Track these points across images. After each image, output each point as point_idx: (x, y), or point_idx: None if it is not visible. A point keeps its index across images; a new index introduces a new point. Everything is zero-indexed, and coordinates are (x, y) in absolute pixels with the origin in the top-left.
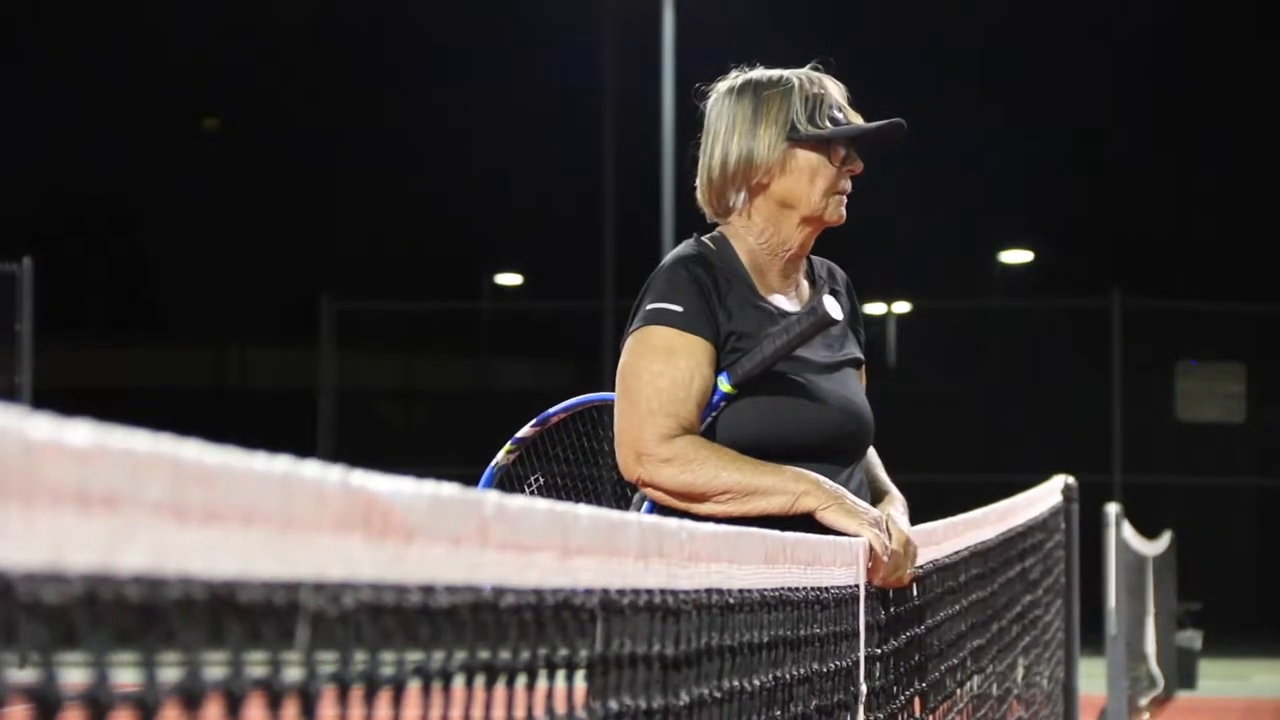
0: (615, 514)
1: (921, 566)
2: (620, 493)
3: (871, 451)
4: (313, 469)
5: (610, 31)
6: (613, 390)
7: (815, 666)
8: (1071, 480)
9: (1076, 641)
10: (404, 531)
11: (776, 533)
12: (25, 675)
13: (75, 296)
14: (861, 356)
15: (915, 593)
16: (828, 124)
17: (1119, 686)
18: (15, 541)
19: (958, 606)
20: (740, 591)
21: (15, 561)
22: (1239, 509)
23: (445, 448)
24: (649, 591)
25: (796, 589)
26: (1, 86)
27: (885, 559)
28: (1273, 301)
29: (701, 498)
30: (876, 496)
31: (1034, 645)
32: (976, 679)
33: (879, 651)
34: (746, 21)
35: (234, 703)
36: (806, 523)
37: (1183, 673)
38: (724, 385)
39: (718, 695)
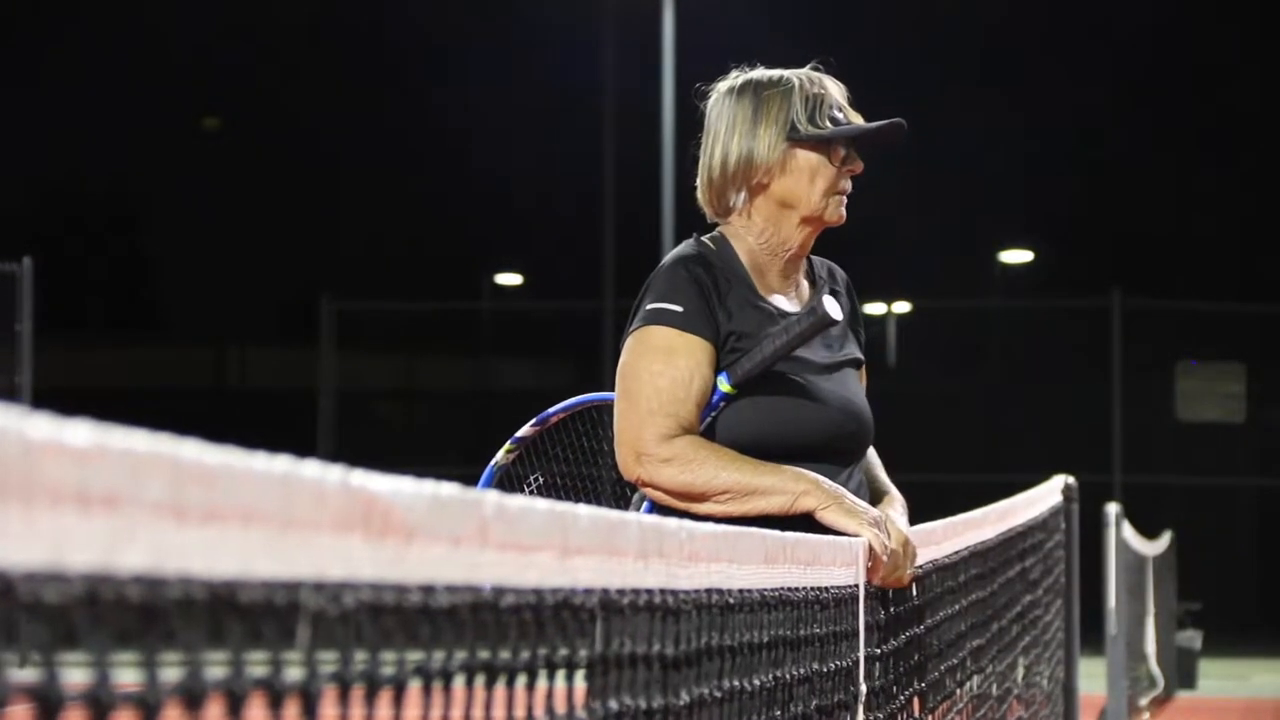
0: (615, 514)
1: (921, 566)
2: (620, 492)
3: (871, 451)
4: (313, 469)
5: (610, 31)
6: (612, 390)
7: (815, 666)
8: (1071, 480)
9: (1076, 641)
10: (404, 531)
11: (776, 533)
12: (26, 675)
13: (75, 296)
14: (861, 357)
15: (915, 593)
16: (828, 124)
17: (1119, 686)
18: (15, 541)
19: (957, 606)
20: (740, 591)
21: (16, 561)
22: (1239, 509)
23: (445, 448)
24: (649, 591)
25: (796, 589)
26: (1, 86)
27: (885, 559)
28: (1273, 301)
29: (701, 498)
30: (876, 496)
31: (1034, 645)
32: (976, 679)
33: (879, 651)
34: (746, 21)
35: (235, 702)
36: (806, 523)
37: (1183, 673)
38: (724, 385)
39: (718, 695)
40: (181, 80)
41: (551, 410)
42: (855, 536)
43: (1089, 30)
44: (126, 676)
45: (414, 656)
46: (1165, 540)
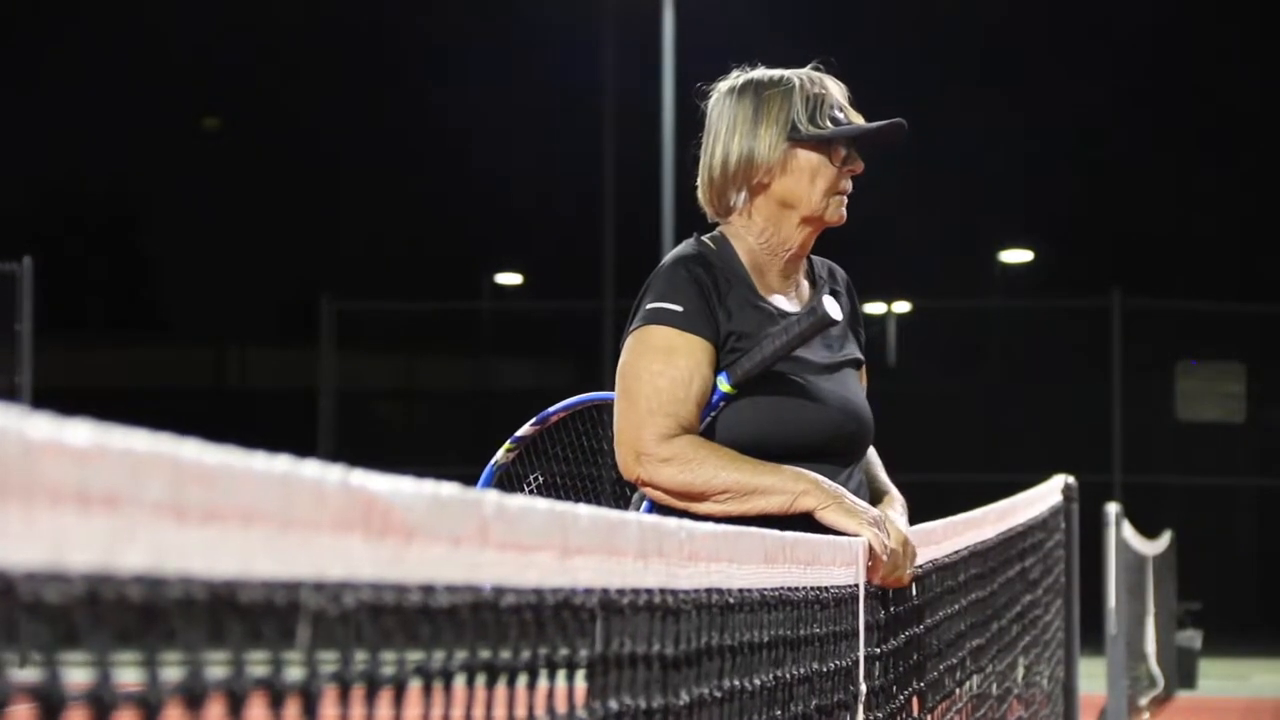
0: (615, 514)
1: (921, 566)
2: (620, 492)
3: (871, 451)
4: (313, 469)
5: (610, 31)
6: (612, 389)
7: (815, 666)
8: (1071, 480)
9: (1076, 641)
10: (404, 531)
11: (776, 532)
12: (27, 675)
13: (75, 296)
14: (861, 357)
15: (915, 592)
16: (828, 124)
17: (1119, 686)
18: (16, 541)
19: (957, 606)
20: (740, 591)
21: (16, 561)
22: (1239, 509)
23: (445, 448)
24: (649, 591)
25: (796, 589)
26: (1, 86)
27: (884, 558)
28: (1273, 301)
29: (700, 497)
30: (875, 496)
31: (1034, 645)
32: (976, 678)
33: (878, 651)
34: (746, 21)
35: (235, 702)
36: (806, 522)
37: (1183, 672)
38: (723, 385)
39: (718, 695)
40: (181, 80)
41: (551, 410)
42: (855, 536)
43: (1089, 30)
44: (127, 676)
45: (414, 656)
46: (1165, 540)
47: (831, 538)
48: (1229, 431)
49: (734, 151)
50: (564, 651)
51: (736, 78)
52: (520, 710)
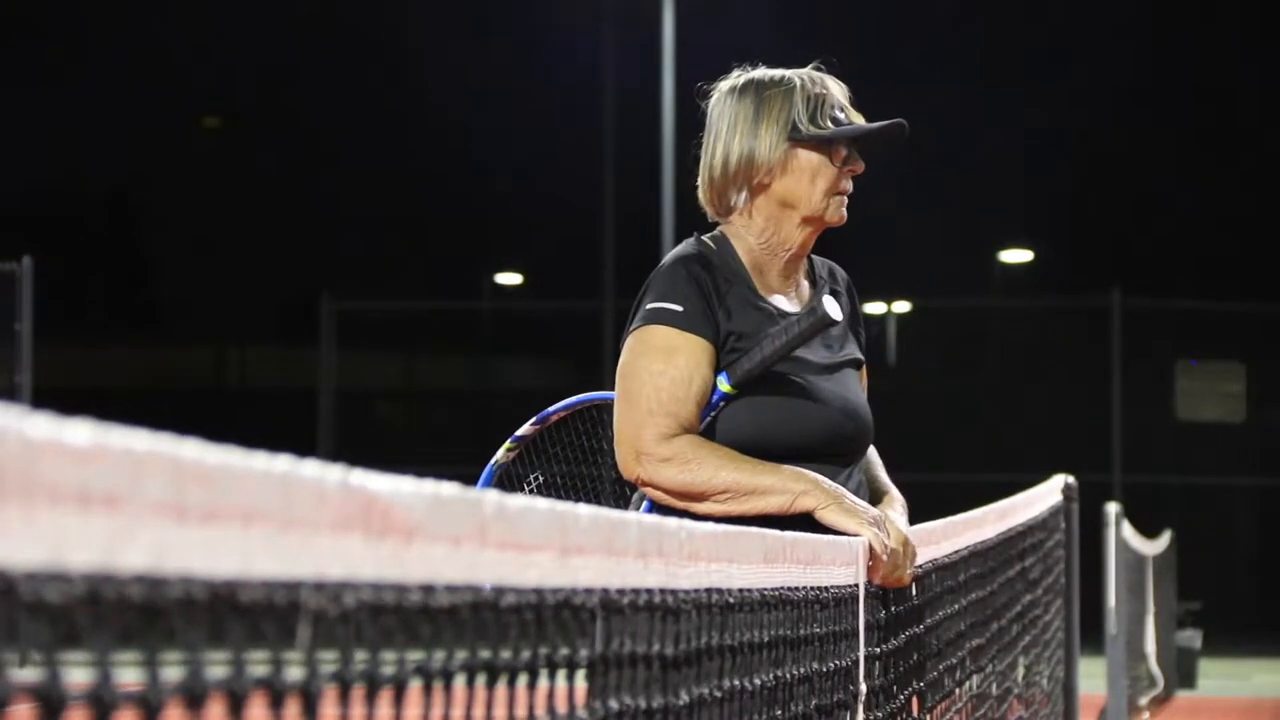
0: (615, 513)
1: (921, 566)
2: (620, 492)
3: (872, 451)
4: (313, 469)
5: (610, 31)
6: (612, 389)
7: (815, 666)
8: (1071, 480)
9: (1076, 641)
10: (404, 531)
11: (776, 532)
12: (28, 675)
13: (75, 296)
14: (862, 357)
15: (915, 592)
16: (829, 124)
17: (1119, 686)
18: (16, 541)
19: (957, 606)
20: (740, 591)
21: (16, 561)
22: (1239, 509)
23: (445, 448)
24: (649, 591)
25: (796, 588)
26: (1, 86)
27: (885, 558)
28: (1273, 301)
29: (700, 497)
30: (876, 496)
31: (1034, 645)
32: (976, 678)
33: (878, 651)
34: (746, 21)
35: (236, 702)
36: (806, 522)
37: (1183, 672)
38: (723, 385)
39: (718, 694)
40: (181, 80)
41: (552, 409)
42: (855, 536)
43: (1089, 30)
44: (128, 676)
45: (414, 656)
46: (1165, 540)
47: (831, 538)
48: (1229, 431)
49: (734, 151)
50: (564, 651)
51: (737, 77)
52: (520, 710)
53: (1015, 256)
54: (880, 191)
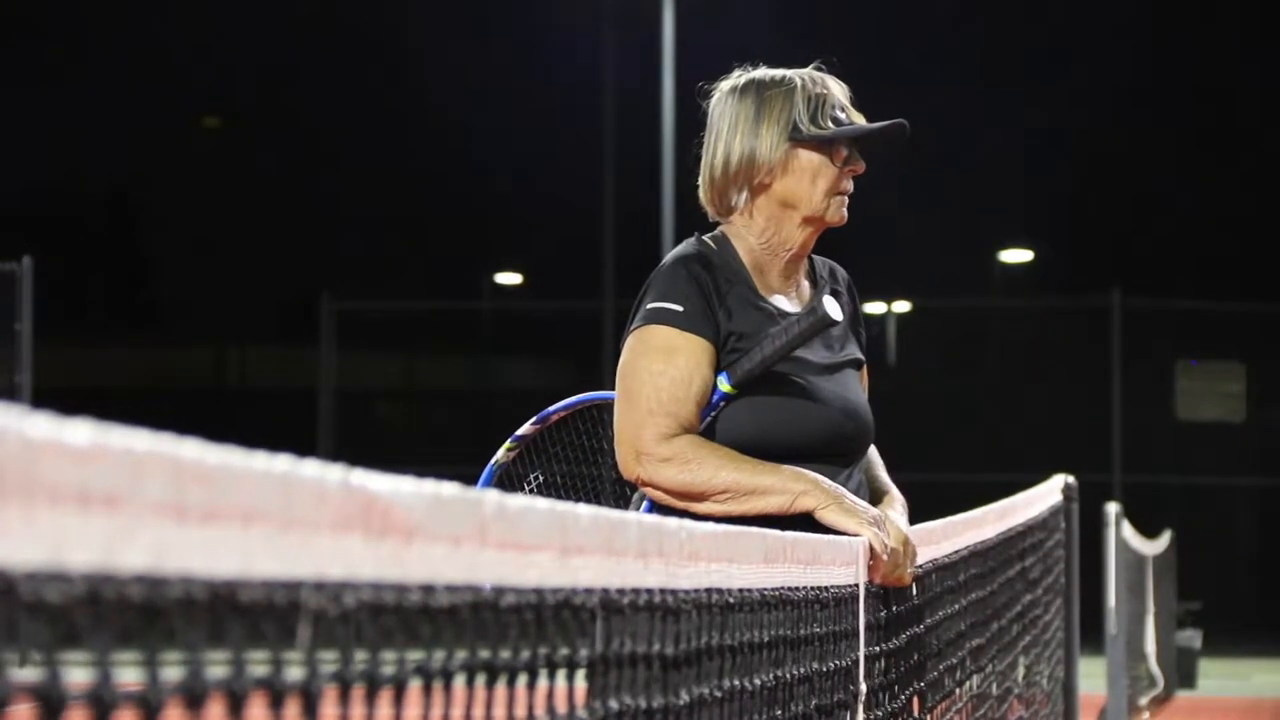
0: (615, 513)
1: (921, 566)
2: (620, 492)
3: (873, 451)
4: (313, 469)
5: (610, 31)
6: (612, 389)
7: (815, 666)
8: (1071, 480)
9: (1076, 641)
10: (404, 531)
11: (776, 532)
12: (28, 674)
13: (75, 296)
14: (862, 358)
15: (915, 592)
16: (830, 124)
17: (1119, 686)
18: (16, 541)
19: (957, 606)
20: (740, 591)
21: (16, 561)
22: (1239, 509)
23: (445, 448)
24: (649, 591)
25: (796, 588)
26: (1, 86)
27: (885, 558)
28: (1273, 301)
29: (700, 497)
30: (876, 496)
31: (1034, 645)
32: (976, 678)
33: (878, 651)
34: (746, 21)
35: (236, 702)
36: (806, 522)
37: (1183, 672)
38: (724, 385)
39: (718, 694)
40: (181, 80)
41: (552, 408)
42: (855, 536)
43: (1089, 30)
44: (127, 676)
45: (414, 656)
46: (1165, 540)
47: (831, 537)
48: (1229, 431)
49: (735, 151)
50: (564, 651)
51: (738, 77)
52: (520, 710)
53: (1015, 256)
54: (880, 191)
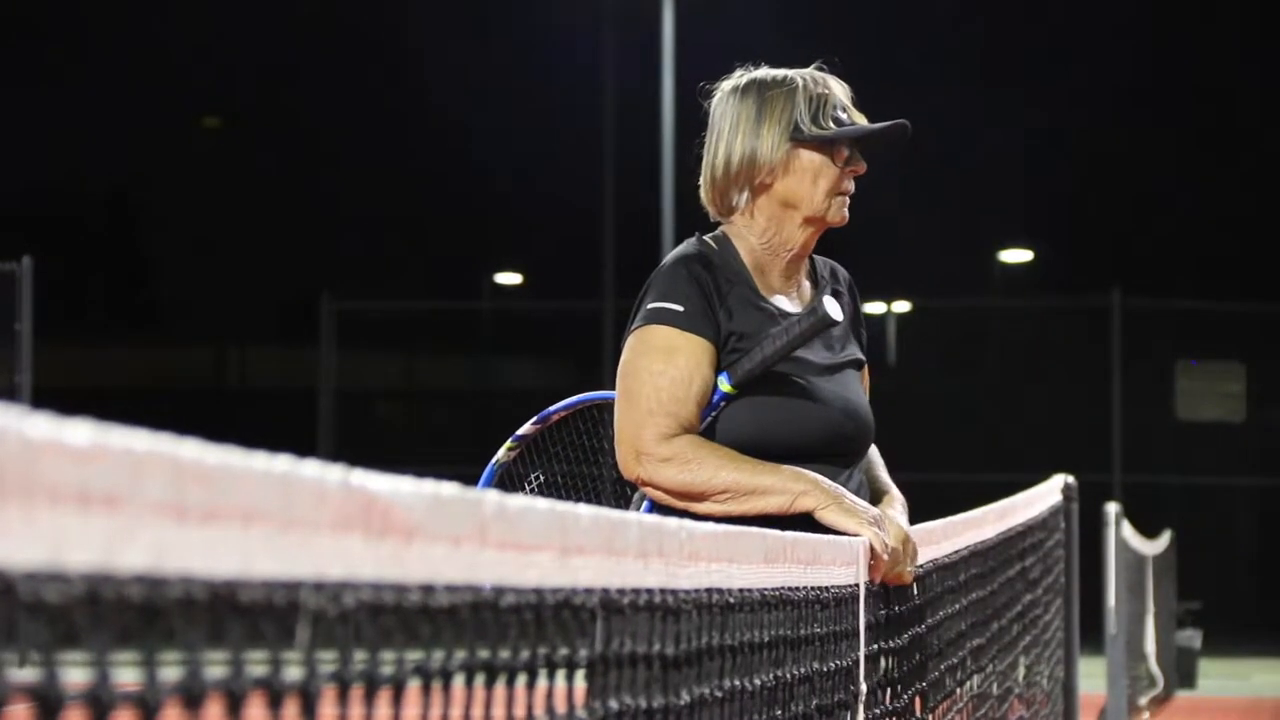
0: (615, 513)
1: (921, 566)
2: (620, 491)
3: (873, 451)
4: (313, 469)
5: (610, 31)
6: (613, 389)
7: (815, 666)
8: (1071, 480)
9: (1076, 641)
10: (404, 531)
11: (776, 532)
12: (26, 674)
13: (75, 296)
14: (863, 358)
15: (915, 592)
16: (831, 124)
17: (1119, 686)
18: (15, 541)
19: (957, 606)
20: (740, 591)
21: (16, 561)
22: (1239, 509)
23: (445, 448)
24: (649, 591)
25: (796, 588)
26: (1, 86)
27: (885, 558)
28: (1273, 301)
29: (700, 497)
30: (876, 496)
31: (1034, 644)
32: (977, 678)
33: (878, 649)
34: (746, 21)
35: (234, 702)
36: (806, 522)
37: (1182, 672)
38: (724, 385)
39: (718, 694)
40: (181, 80)
41: (553, 408)
42: (855, 536)
43: (1089, 30)
44: (126, 676)
45: (414, 656)
46: (1165, 540)
47: (832, 537)
48: (1229, 431)
49: (736, 151)
50: (564, 651)
51: (740, 77)
52: (520, 710)
53: (1015, 256)
54: (881, 191)
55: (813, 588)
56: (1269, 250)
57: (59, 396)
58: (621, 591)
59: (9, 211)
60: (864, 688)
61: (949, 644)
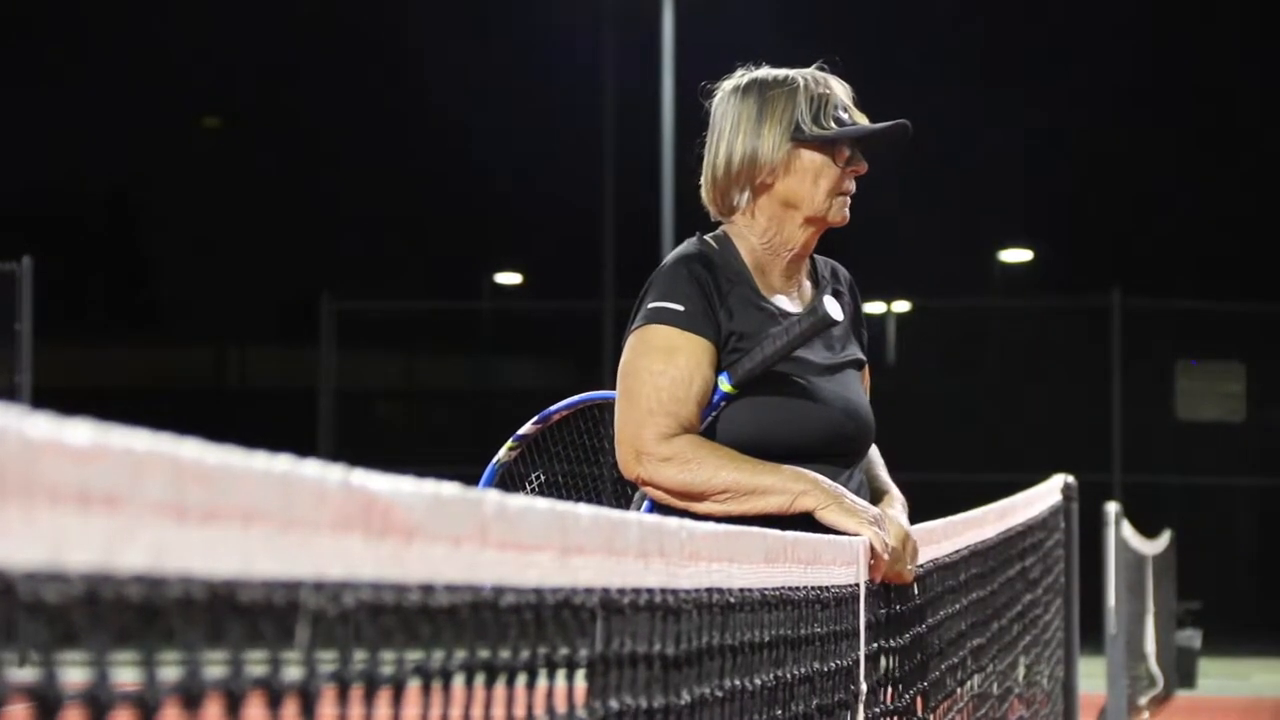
0: (615, 513)
1: (922, 565)
2: (621, 491)
3: (874, 450)
4: (313, 469)
5: (610, 31)
6: (613, 389)
7: (816, 665)
8: (1071, 479)
9: (1076, 640)
10: (404, 531)
11: (776, 532)
12: (25, 674)
13: (75, 296)
14: (864, 358)
15: (915, 591)
16: (832, 124)
17: (1119, 686)
18: (15, 541)
19: (958, 605)
20: (740, 591)
21: (16, 561)
22: (1239, 509)
23: (445, 448)
24: (649, 591)
25: (797, 588)
26: (1, 86)
27: (885, 557)
28: (1273, 301)
29: (700, 497)
30: (876, 495)
31: (1034, 644)
32: (977, 678)
33: (879, 649)
34: (746, 21)
35: (234, 702)
36: (806, 522)
37: (1182, 672)
38: (724, 385)
39: (718, 694)
40: (181, 80)
41: (553, 408)
42: (855, 536)
43: (1089, 30)
44: (126, 676)
45: (413, 656)
46: (1165, 540)
47: (832, 537)
48: (1229, 431)
49: (737, 151)
50: (564, 651)
51: (741, 77)
52: (520, 710)
53: (1015, 256)
54: (881, 191)
55: (813, 587)
56: (1269, 250)
57: (59, 396)
58: (622, 591)
59: (9, 211)
60: (864, 687)
61: (949, 643)
